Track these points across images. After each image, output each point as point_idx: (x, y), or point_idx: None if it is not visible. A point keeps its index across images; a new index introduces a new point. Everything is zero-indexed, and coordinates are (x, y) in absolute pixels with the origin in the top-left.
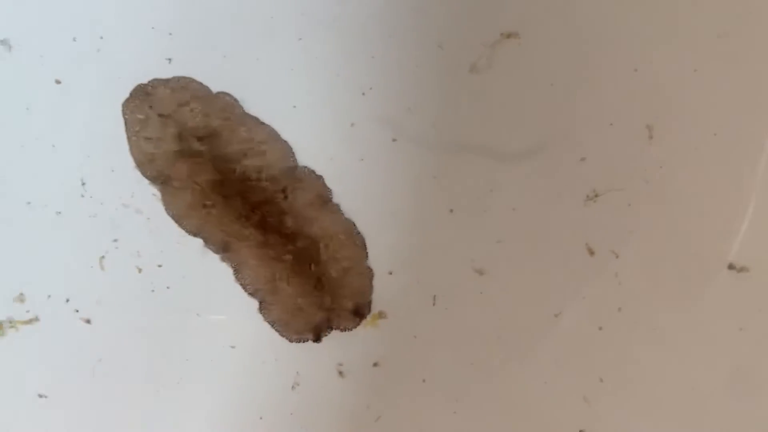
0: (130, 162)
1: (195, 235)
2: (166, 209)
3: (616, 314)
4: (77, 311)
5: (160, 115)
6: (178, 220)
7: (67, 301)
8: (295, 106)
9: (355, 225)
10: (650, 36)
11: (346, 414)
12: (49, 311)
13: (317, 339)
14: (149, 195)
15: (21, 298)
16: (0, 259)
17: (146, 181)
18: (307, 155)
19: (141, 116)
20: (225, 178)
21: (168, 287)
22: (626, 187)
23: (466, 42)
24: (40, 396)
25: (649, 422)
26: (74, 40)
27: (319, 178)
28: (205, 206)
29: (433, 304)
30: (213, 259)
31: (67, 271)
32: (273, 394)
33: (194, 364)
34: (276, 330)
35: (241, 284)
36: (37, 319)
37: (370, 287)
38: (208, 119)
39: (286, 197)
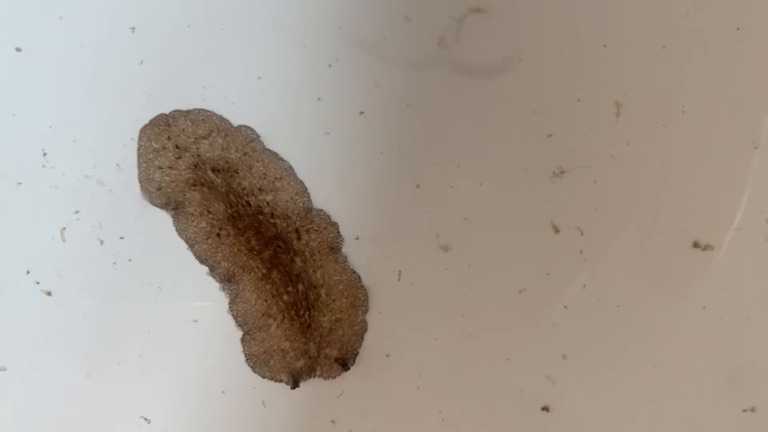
0: (92, 133)
1: (202, 262)
2: (178, 234)
3: (581, 291)
4: (38, 283)
5: (177, 147)
6: (190, 245)
7: (28, 272)
8: (260, 78)
9: (360, 278)
10: (619, 12)
11: (308, 388)
12: (9, 283)
13: (295, 385)
14: (112, 166)
15: None
16: None
17: (108, 153)
18: (272, 128)
19: (157, 146)
20: (239, 211)
21: (130, 260)
22: (593, 164)
23: (433, 15)
24: (1, 369)
25: (611, 399)
26: (35, 7)
27: (334, 224)
28: (218, 235)
29: (398, 280)
30: (175, 234)
31: (28, 242)
32: (235, 368)
33: (156, 337)
34: (249, 364)
35: (232, 314)
36: None
37: (360, 341)
38: (227, 152)
39: (299, 238)
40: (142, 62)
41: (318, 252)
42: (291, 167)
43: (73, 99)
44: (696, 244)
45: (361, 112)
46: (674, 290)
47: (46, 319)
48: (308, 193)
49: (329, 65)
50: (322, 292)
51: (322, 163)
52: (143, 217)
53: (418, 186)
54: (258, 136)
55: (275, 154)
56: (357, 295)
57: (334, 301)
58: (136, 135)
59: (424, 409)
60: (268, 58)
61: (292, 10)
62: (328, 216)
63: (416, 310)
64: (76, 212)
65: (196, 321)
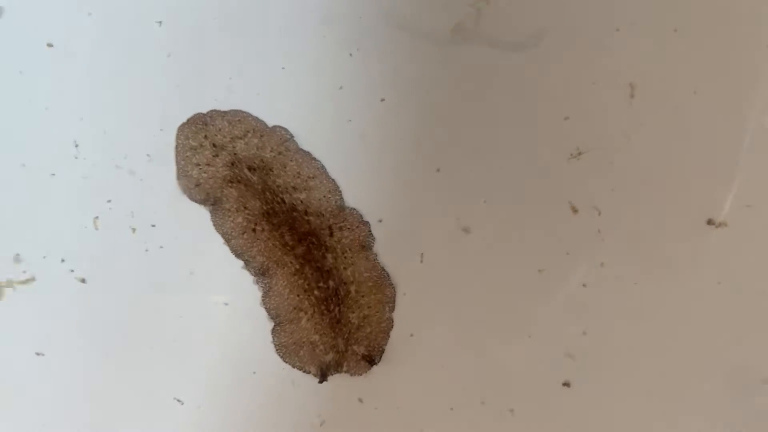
0: (122, 124)
1: (238, 256)
2: (215, 228)
3: (599, 270)
4: (72, 271)
5: (214, 145)
6: (227, 239)
7: (63, 261)
8: (283, 68)
9: (388, 275)
10: None
11: None
12: (45, 271)
13: (323, 379)
14: (143, 156)
15: (17, 258)
16: None
17: (139, 143)
18: (296, 117)
19: (194, 143)
20: (274, 208)
21: (161, 247)
22: (609, 145)
23: (450, 3)
24: (38, 354)
25: (631, 374)
26: (65, 3)
27: (366, 223)
28: (254, 231)
29: (421, 261)
30: (206, 220)
31: (62, 231)
32: (265, 349)
33: (187, 321)
34: (279, 354)
35: (265, 307)
36: (33, 279)
37: (387, 337)
38: (262, 152)
39: (332, 234)
40: (169, 55)
41: (349, 249)
42: (323, 166)
43: (103, 92)
44: (710, 222)
45: (382, 99)
46: (690, 267)
47: (81, 305)
48: (340, 192)
49: (350, 54)
50: (352, 288)
51: (345, 149)
52: (174, 206)
53: (438, 170)
54: (292, 136)
55: (308, 154)
56: (385, 293)
57: (363, 297)
58: (165, 125)
59: (448, 385)
60: (291, 48)
61: (314, 2)
62: (360, 215)
63: (439, 290)
64: (108, 201)
65: (226, 304)
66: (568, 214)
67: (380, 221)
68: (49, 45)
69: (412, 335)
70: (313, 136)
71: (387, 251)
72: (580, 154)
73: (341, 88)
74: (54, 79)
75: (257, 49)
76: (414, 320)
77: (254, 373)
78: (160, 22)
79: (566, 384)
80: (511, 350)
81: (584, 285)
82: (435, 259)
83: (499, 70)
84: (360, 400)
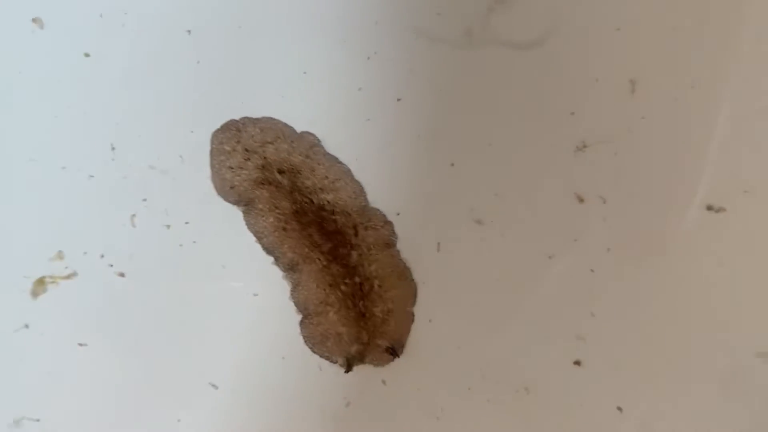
0: (155, 127)
1: (269, 253)
2: (247, 227)
3: (605, 255)
4: (111, 266)
5: (246, 150)
6: (258, 237)
7: (102, 256)
8: (305, 72)
9: (410, 271)
10: None
11: None
12: (86, 267)
13: (348, 369)
14: (175, 157)
15: (60, 255)
16: (39, 220)
17: (171, 145)
18: (318, 117)
19: (228, 148)
20: (303, 208)
21: (194, 242)
22: (612, 138)
23: (461, 9)
24: (80, 345)
25: (638, 351)
26: (101, 16)
27: (389, 223)
28: (284, 230)
29: (438, 251)
30: (236, 216)
31: (101, 229)
32: (294, 337)
33: (220, 311)
34: (307, 344)
35: (294, 300)
36: (75, 274)
37: (408, 331)
38: (291, 156)
39: (356, 233)
40: (198, 62)
41: (374, 247)
42: (349, 170)
43: (137, 97)
44: (710, 207)
45: (399, 99)
46: (692, 250)
47: (120, 298)
48: (365, 193)
49: (368, 58)
50: (376, 283)
51: (364, 146)
52: (205, 203)
53: (452, 165)
54: (319, 141)
55: (334, 158)
56: (407, 288)
57: (386, 292)
58: (195, 128)
59: (465, 367)
60: (312, 54)
61: (333, 10)
62: (384, 214)
63: (455, 277)
64: (144, 200)
65: (256, 295)
66: (575, 204)
67: (398, 214)
68: (86, 55)
69: (430, 321)
70: (334, 134)
71: (405, 242)
72: (585, 146)
73: (360, 89)
74: (91, 86)
75: (280, 55)
76: (432, 306)
77: (283, 358)
78: (189, 31)
79: (577, 363)
80: (524, 332)
81: (592, 270)
82: (451, 248)
83: (508, 70)
84: (383, 382)
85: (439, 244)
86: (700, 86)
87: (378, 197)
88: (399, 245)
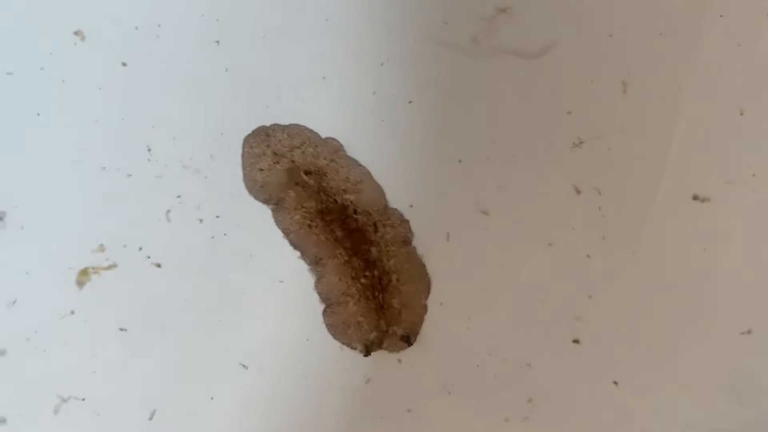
0: (188, 130)
1: (296, 248)
2: (276, 224)
3: (601, 242)
4: (149, 257)
5: (275, 153)
6: (286, 233)
7: (140, 249)
8: (324, 77)
9: (425, 266)
10: (623, 6)
11: None
12: (125, 258)
13: (367, 353)
14: (207, 157)
15: (101, 248)
16: (81, 217)
17: (203, 146)
18: (336, 119)
19: (258, 152)
20: (327, 207)
21: (225, 234)
22: (606, 134)
23: (467, 18)
24: (121, 329)
25: (633, 330)
26: (136, 28)
27: (406, 221)
28: (310, 227)
29: (447, 240)
30: (265, 212)
31: (139, 224)
32: (316, 321)
33: (250, 296)
34: (329, 332)
35: (317, 291)
36: (115, 265)
37: (421, 321)
38: (316, 159)
39: (376, 231)
40: (226, 69)
41: (392, 243)
42: (370, 172)
43: (170, 102)
44: (696, 197)
45: (410, 102)
46: (680, 236)
47: (157, 286)
48: (384, 194)
49: (381, 64)
50: (393, 277)
51: (379, 144)
52: (235, 198)
53: (460, 161)
54: (342, 146)
55: (356, 161)
56: (422, 283)
57: (403, 285)
58: (224, 130)
59: (474, 346)
60: (330, 60)
61: (349, 20)
62: (402, 213)
63: (463, 264)
64: (178, 197)
65: (281, 282)
66: (572, 195)
67: (411, 206)
68: (124, 64)
69: (442, 304)
70: (352, 133)
71: (418, 231)
72: (581, 143)
73: (374, 93)
74: (128, 93)
75: (300, 62)
76: (443, 290)
77: (307, 340)
78: (218, 42)
79: (576, 341)
80: (527, 313)
81: (588, 256)
82: (459, 237)
83: (510, 74)
84: (399, 361)
85: (448, 233)
86: (685, 86)
87: (392, 190)
88: (415, 234)
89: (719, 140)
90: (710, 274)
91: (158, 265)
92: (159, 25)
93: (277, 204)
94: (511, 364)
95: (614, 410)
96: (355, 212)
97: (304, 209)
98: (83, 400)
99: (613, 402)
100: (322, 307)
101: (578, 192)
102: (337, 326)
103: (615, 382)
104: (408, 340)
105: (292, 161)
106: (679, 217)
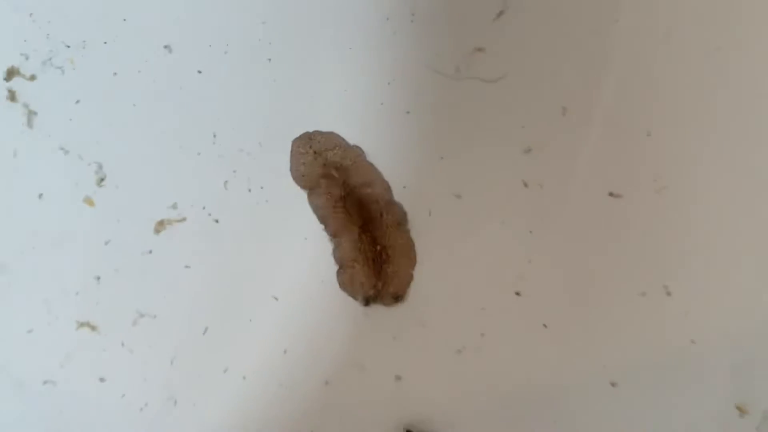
0: (244, 122)
1: (321, 222)
2: (308, 204)
3: (540, 221)
4: (210, 214)
5: (315, 152)
6: (315, 212)
7: (204, 208)
8: (345, 90)
9: (414, 246)
10: (557, 49)
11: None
12: (192, 214)
13: (366, 305)
14: (256, 144)
15: (175, 206)
16: (162, 181)
17: (254, 135)
18: (353, 124)
19: (302, 150)
20: (348, 194)
21: (267, 201)
22: (549, 143)
23: (453, 52)
24: (186, 266)
25: (564, 285)
26: (210, 46)
27: (405, 212)
28: (334, 208)
29: (429, 215)
30: (300, 195)
31: (205, 189)
32: (332, 274)
33: (283, 248)
34: (339, 287)
35: (334, 256)
36: (184, 219)
37: (408, 285)
38: (344, 160)
39: (381, 216)
40: (275, 80)
41: (392, 226)
42: (381, 174)
43: (232, 102)
44: (611, 194)
45: (408, 112)
46: (596, 225)
47: (214, 235)
48: (391, 190)
49: (388, 83)
50: (390, 251)
51: (381, 141)
52: (277, 176)
53: (441, 157)
54: (363, 152)
55: (373, 165)
56: (411, 256)
57: (397, 258)
58: (270, 125)
59: (445, 296)
60: (350, 78)
61: (366, 49)
62: (402, 205)
63: (441, 235)
64: (234, 171)
65: (306, 239)
66: (522, 187)
67: (404, 187)
68: (199, 72)
69: (422, 264)
70: (364, 134)
71: (408, 207)
72: (530, 150)
73: (382, 103)
74: (201, 93)
75: (331, 79)
76: (424, 253)
77: (322, 281)
78: (270, 59)
79: (517, 293)
80: (484, 272)
81: (530, 231)
82: (437, 213)
83: (481, 97)
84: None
85: (430, 210)
86: (610, 111)
87: (390, 176)
88: (407, 211)
89: (629, 150)
90: (624, 262)
91: (216, 221)
92: (227, 44)
93: (311, 189)
94: (469, 307)
95: (546, 350)
96: (369, 202)
97: (330, 195)
98: (155, 317)
99: (544, 342)
100: (335, 267)
101: (526, 185)
102: (346, 283)
103: (545, 325)
104: (397, 298)
105: (326, 159)
106: (598, 210)
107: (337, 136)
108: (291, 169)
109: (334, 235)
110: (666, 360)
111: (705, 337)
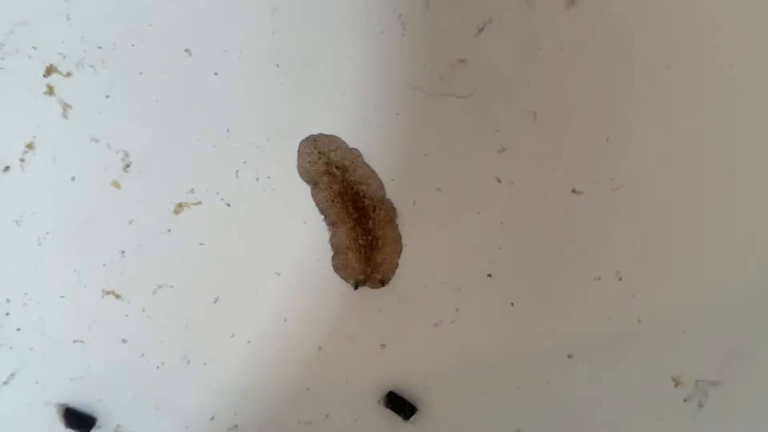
0: (254, 121)
1: (321, 212)
2: (311, 197)
3: (511, 213)
4: (222, 199)
5: (319, 152)
6: (317, 203)
7: (217, 193)
8: (344, 94)
9: (401, 238)
10: (532, 65)
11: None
12: (207, 198)
13: (356, 288)
14: (265, 139)
15: (192, 191)
16: (181, 169)
17: (263, 131)
18: (352, 125)
19: (309, 150)
20: (346, 190)
21: (273, 189)
22: (519, 145)
23: (438, 64)
24: (201, 244)
25: (529, 268)
26: (225, 51)
27: (394, 208)
28: (333, 202)
29: (413, 205)
30: (304, 188)
31: (218, 177)
32: (327, 259)
33: (285, 231)
34: (335, 271)
35: (330, 243)
36: (200, 202)
37: (393, 272)
38: (344, 160)
39: (374, 211)
40: (282, 84)
41: (382, 220)
42: (376, 174)
43: (245, 103)
44: (574, 191)
45: (397, 114)
46: (560, 216)
47: (226, 216)
48: (384, 188)
49: (380, 88)
50: (380, 242)
51: (375, 141)
52: (282, 167)
53: (426, 155)
54: (360, 154)
55: (369, 166)
56: (397, 247)
57: (385, 248)
58: (279, 124)
59: (425, 280)
60: (345, 83)
61: (364, 62)
62: (392, 202)
63: (424, 220)
64: (244, 162)
65: (305, 222)
66: (496, 183)
67: (392, 180)
68: (215, 74)
69: (406, 245)
70: (361, 134)
71: (395, 198)
72: (504, 150)
73: (375, 106)
74: (217, 93)
75: (326, 81)
76: (408, 238)
77: (319, 261)
78: (278, 65)
79: (489, 275)
80: (460, 256)
81: (502, 222)
82: (420, 202)
83: (463, 102)
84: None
85: (414, 200)
86: (580, 116)
87: (380, 168)
88: (391, 197)
89: (591, 153)
90: (586, 240)
91: (228, 205)
92: (240, 50)
93: (315, 184)
94: (446, 286)
95: (513, 325)
96: (364, 197)
97: (331, 190)
98: (172, 287)
99: (511, 319)
100: (331, 253)
101: (499, 181)
102: (339, 267)
103: (512, 303)
104: (383, 282)
105: (329, 158)
106: (562, 206)
107: (339, 139)
108: (298, 167)
109: (332, 224)
110: (616, 336)
111: (650, 317)
